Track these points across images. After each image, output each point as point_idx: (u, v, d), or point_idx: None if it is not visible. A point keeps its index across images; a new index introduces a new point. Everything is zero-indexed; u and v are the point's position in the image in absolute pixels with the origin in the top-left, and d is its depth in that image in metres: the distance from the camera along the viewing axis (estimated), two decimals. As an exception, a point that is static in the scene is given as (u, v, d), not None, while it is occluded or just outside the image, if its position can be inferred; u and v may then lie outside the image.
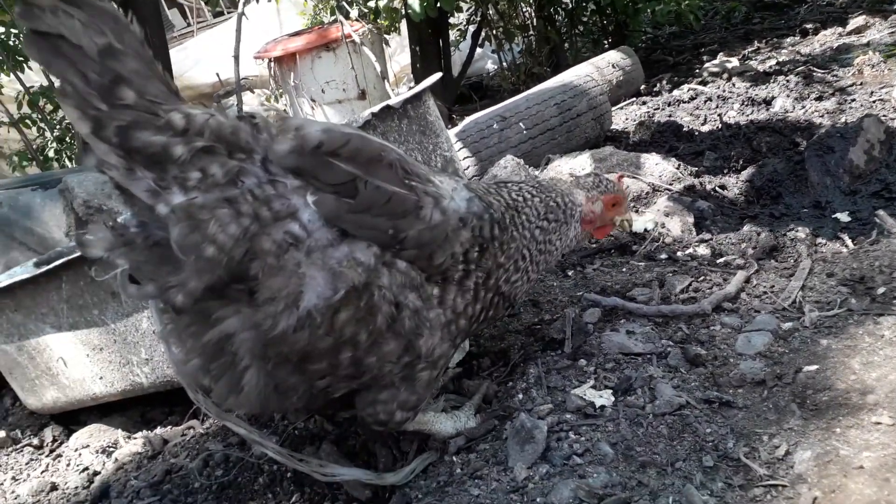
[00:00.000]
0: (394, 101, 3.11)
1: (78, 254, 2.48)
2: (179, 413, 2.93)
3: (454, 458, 2.00)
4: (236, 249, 1.51)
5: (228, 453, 2.34)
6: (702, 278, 2.56)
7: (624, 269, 2.85)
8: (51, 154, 8.67)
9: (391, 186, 1.68)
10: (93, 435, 2.87)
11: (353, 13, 7.85)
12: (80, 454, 2.76)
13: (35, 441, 2.92)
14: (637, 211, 3.68)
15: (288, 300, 1.56)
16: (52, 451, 2.89)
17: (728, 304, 2.32)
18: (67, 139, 8.57)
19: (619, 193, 2.24)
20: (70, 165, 8.57)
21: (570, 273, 2.96)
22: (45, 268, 2.55)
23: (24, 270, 3.13)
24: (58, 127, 8.64)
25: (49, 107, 8.59)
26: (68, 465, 2.71)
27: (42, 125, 8.66)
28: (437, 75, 3.46)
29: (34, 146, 8.57)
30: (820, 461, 1.58)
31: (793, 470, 1.60)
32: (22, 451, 2.88)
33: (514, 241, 2.01)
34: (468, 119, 4.73)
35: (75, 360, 2.71)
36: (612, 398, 2.01)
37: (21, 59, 8.40)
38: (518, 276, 2.04)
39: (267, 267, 1.54)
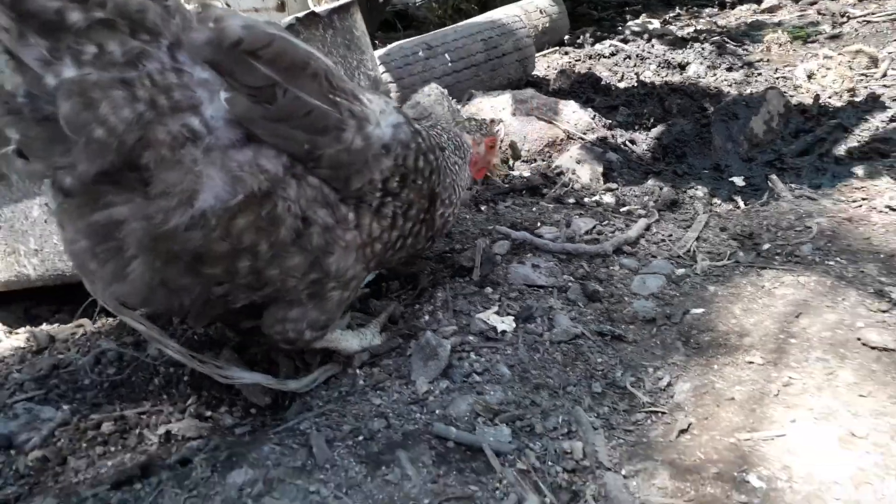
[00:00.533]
0: (320, 8, 3.00)
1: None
2: (68, 312, 2.80)
3: (357, 371, 2.04)
4: (128, 135, 1.42)
5: (122, 352, 2.28)
6: (606, 222, 2.68)
7: (534, 209, 2.94)
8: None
9: (313, 100, 1.61)
10: (-31, 327, 2.70)
11: (280, -84, 7.39)
12: (-48, 345, 2.60)
13: None
14: (551, 155, 3.77)
15: (182, 196, 1.48)
16: (-80, 342, 2.70)
17: (628, 248, 2.45)
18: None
19: (496, 136, 2.48)
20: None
21: (482, 208, 3.02)
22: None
23: None
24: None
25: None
26: (-60, 355, 2.55)
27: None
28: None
29: None
30: (697, 392, 1.73)
31: (672, 399, 1.75)
32: None
33: (447, 174, 2.05)
34: (393, 44, 4.64)
35: (-47, 246, 2.52)
36: (514, 324, 2.10)
37: None
38: (447, 210, 2.07)
39: (160, 158, 1.46)
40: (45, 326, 2.67)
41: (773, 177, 3.03)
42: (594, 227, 2.62)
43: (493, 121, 2.47)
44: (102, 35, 1.43)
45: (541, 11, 6.43)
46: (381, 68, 4.51)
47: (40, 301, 2.88)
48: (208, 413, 2.07)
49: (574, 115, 3.89)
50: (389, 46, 4.60)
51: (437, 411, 1.80)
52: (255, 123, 1.55)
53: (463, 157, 2.27)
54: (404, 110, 2.04)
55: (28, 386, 2.17)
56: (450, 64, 4.41)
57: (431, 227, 2.09)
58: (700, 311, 2.05)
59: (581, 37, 6.75)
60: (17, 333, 2.67)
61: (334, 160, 1.68)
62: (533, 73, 5.22)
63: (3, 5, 1.36)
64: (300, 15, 2.79)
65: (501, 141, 2.53)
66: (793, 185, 2.92)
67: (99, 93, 1.40)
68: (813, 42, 5.52)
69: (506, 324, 2.10)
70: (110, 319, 2.61)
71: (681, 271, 2.27)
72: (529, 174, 3.57)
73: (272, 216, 1.59)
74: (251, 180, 1.54)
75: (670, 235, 2.54)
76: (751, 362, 1.79)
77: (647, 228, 2.56)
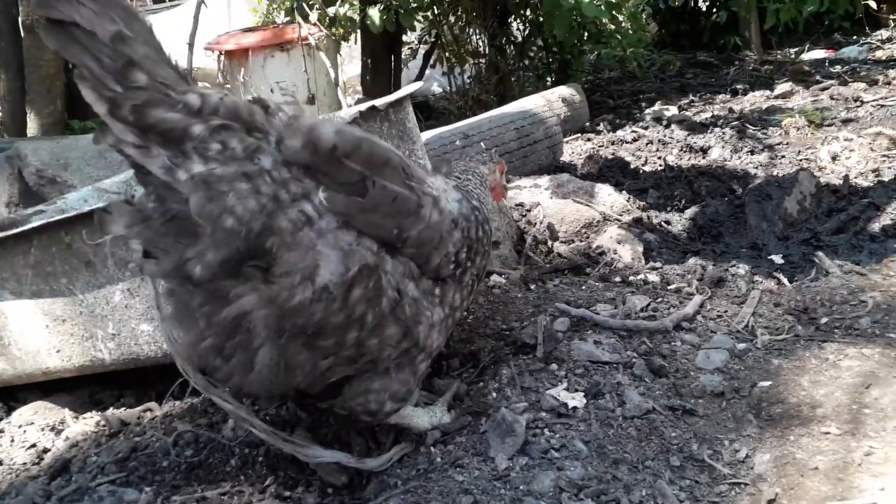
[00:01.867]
0: (379, 102, 3.20)
1: (55, 218, 2.42)
2: (130, 396, 2.86)
3: (432, 449, 2.08)
4: (254, 223, 1.59)
5: (198, 433, 2.33)
6: (659, 300, 2.76)
7: (583, 288, 3.03)
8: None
9: (396, 187, 1.79)
10: (37, 412, 2.76)
11: (313, 17, 7.88)
12: (24, 431, 2.66)
13: (-28, 415, 2.79)
14: (589, 236, 3.90)
15: (304, 273, 1.65)
16: (-10, 427, 2.77)
17: (686, 324, 2.52)
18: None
19: (502, 163, 2.77)
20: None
21: (532, 287, 3.11)
22: (15, 230, 2.47)
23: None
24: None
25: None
26: (12, 441, 2.61)
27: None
28: (419, 84, 3.58)
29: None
30: (778, 463, 1.77)
31: (753, 470, 1.79)
32: (-45, 425, 2.74)
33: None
34: (431, 133, 4.87)
35: (32, 331, 2.62)
36: (584, 400, 2.15)
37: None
38: (487, 248, 2.23)
39: (283, 243, 1.63)
40: (112, 411, 2.73)
41: (820, 254, 3.13)
42: (649, 304, 2.70)
43: (494, 150, 2.86)
44: (224, 135, 1.60)
45: (563, 100, 6.72)
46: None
47: (103, 386, 2.95)
48: (287, 493, 2.11)
49: (609, 197, 4.04)
50: (429, 135, 4.82)
51: (521, 487, 1.83)
52: (352, 216, 1.72)
53: (485, 187, 2.49)
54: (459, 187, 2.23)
55: (109, 469, 2.22)
56: (485, 152, 4.62)
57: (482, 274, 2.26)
58: (767, 384, 2.10)
59: (601, 123, 7.03)
60: (84, 418, 2.73)
61: (418, 239, 1.85)
62: (561, 159, 5.43)
63: (128, 123, 1.53)
64: (363, 109, 3.00)
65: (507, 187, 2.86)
66: (839, 262, 3.01)
67: (226, 185, 1.56)
68: (829, 125, 5.73)
69: (576, 400, 2.15)
70: (179, 402, 2.67)
71: (742, 346, 2.33)
72: (570, 254, 3.69)
73: (378, 287, 1.75)
74: (362, 254, 1.71)
75: (726, 311, 2.61)
76: (827, 433, 1.83)
77: (702, 305, 2.64)
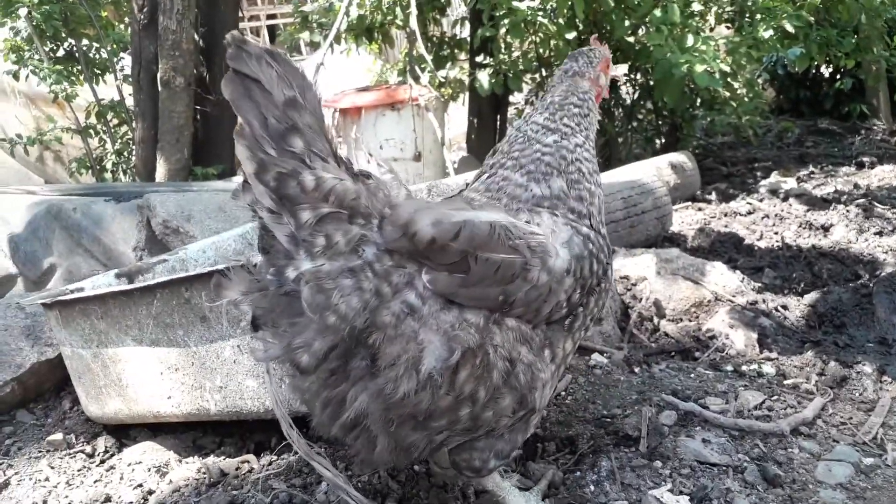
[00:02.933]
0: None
1: (179, 275, 2.56)
2: (230, 445, 2.95)
3: (524, 539, 2.01)
4: (357, 320, 1.62)
5: (293, 493, 2.36)
6: (775, 397, 2.59)
7: (692, 376, 2.89)
8: (108, 165, 8.95)
9: (499, 255, 1.72)
10: (146, 452, 2.89)
11: (424, 79, 8.16)
12: (133, 469, 2.78)
13: (88, 449, 2.94)
14: (699, 316, 3.73)
15: (407, 364, 1.64)
16: (102, 462, 2.91)
17: (805, 429, 2.34)
18: (125, 153, 8.86)
19: (605, 54, 2.34)
20: (123, 178, 8.83)
21: (636, 370, 2.99)
22: (143, 284, 2.63)
23: (107, 281, 3.22)
24: (119, 140, 8.95)
25: (115, 121, 8.92)
26: (121, 478, 2.73)
27: (105, 137, 8.97)
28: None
29: (93, 155, 8.86)
30: None
31: None
32: (75, 456, 2.90)
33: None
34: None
35: (148, 376, 2.76)
36: (689, 505, 2.02)
37: (98, 72, 8.79)
38: (606, 270, 2.06)
39: (386, 337, 1.64)
40: (212, 459, 2.81)
41: (962, 360, 2.85)
42: (763, 401, 2.54)
43: (595, 37, 2.42)
44: (329, 227, 1.63)
45: (673, 167, 6.58)
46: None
47: (206, 431, 3.06)
48: (374, 566, 2.08)
49: (722, 276, 3.87)
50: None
51: None
52: (455, 294, 1.70)
53: (590, 110, 2.21)
54: (567, 211, 2.04)
55: (207, 521, 2.28)
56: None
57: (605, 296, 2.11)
58: (900, 509, 1.91)
59: (712, 192, 6.81)
60: (187, 462, 2.83)
61: (525, 300, 1.78)
62: (670, 229, 5.28)
63: (269, 188, 1.61)
64: (469, 180, 3.03)
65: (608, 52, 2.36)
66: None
67: (331, 282, 1.60)
68: (971, 207, 5.30)
69: (681, 503, 2.03)
70: (276, 458, 2.72)
71: (869, 461, 2.14)
72: (678, 335, 3.54)
73: (486, 364, 1.72)
74: (465, 336, 1.68)
75: (850, 418, 2.41)
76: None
77: (823, 408, 2.45)
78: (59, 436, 2.95)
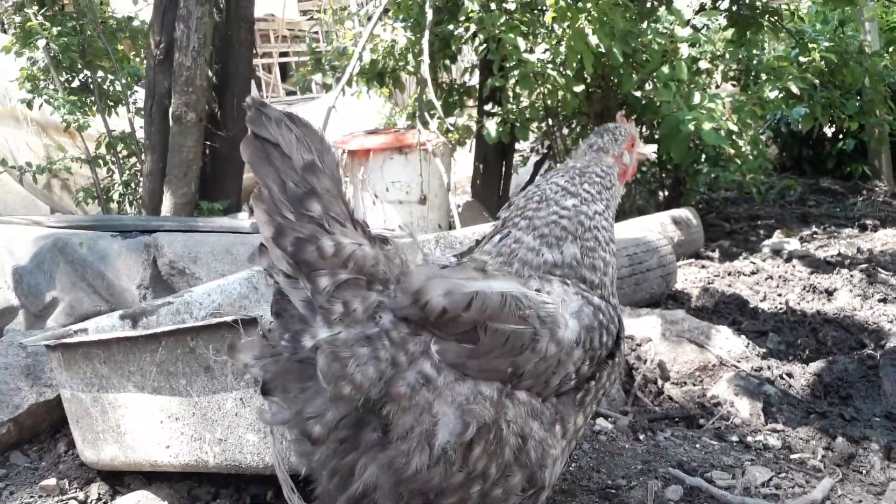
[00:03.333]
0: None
1: (186, 325, 2.55)
2: (226, 497, 2.90)
3: None
4: (373, 390, 1.58)
5: (288, 558, 2.30)
6: (782, 475, 2.55)
7: (697, 446, 2.85)
8: (114, 196, 8.99)
9: (509, 325, 1.70)
10: (139, 501, 2.83)
11: (433, 125, 8.25)
12: (125, 520, 2.73)
13: (80, 495, 2.89)
14: (703, 380, 3.70)
15: (421, 437, 1.60)
16: (94, 510, 2.86)
17: (814, 511, 2.31)
18: (133, 185, 8.90)
19: (631, 132, 2.34)
20: (130, 210, 8.85)
21: (640, 437, 2.96)
22: (150, 330, 2.61)
23: (111, 323, 3.20)
24: (127, 172, 9.00)
25: (124, 152, 8.99)
26: (114, 530, 2.68)
27: (113, 167, 9.03)
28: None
29: (101, 185, 8.90)
30: None
31: None
32: (67, 502, 2.84)
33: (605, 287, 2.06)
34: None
35: (147, 424, 2.72)
36: (697, 589, 1.98)
37: (111, 104, 8.89)
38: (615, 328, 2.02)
39: (400, 408, 1.60)
40: (207, 511, 2.76)
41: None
42: (770, 478, 2.50)
43: (621, 115, 2.40)
44: (347, 294, 1.61)
45: (677, 223, 6.61)
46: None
47: (201, 482, 3.01)
48: None
49: (727, 341, 3.85)
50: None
51: None
52: (464, 366, 1.67)
53: (611, 184, 2.22)
54: (578, 280, 2.02)
55: (201, 581, 2.22)
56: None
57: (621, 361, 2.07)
58: None
59: (716, 249, 6.83)
60: (181, 514, 2.78)
61: (534, 372, 1.75)
62: (674, 287, 5.28)
63: (286, 253, 1.60)
64: (479, 237, 3.04)
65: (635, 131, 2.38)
66: None
67: (348, 351, 1.57)
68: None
69: (688, 586, 1.98)
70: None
71: (880, 548, 2.10)
72: (683, 400, 3.51)
73: (499, 439, 1.67)
74: (480, 410, 1.64)
75: (860, 501, 2.37)
76: None
77: (832, 489, 2.42)
78: (52, 481, 2.90)
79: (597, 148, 2.27)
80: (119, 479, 3.04)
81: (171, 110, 7.23)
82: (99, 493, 2.92)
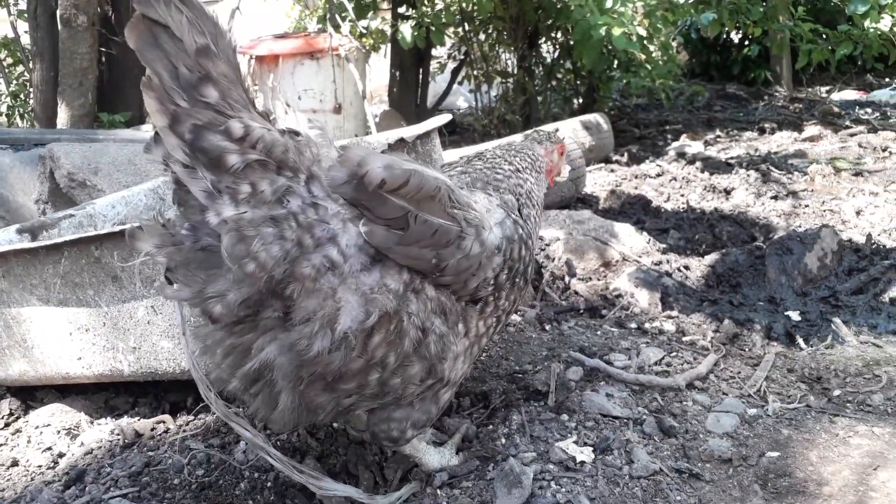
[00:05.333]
0: (407, 134, 3.25)
1: (88, 234, 2.47)
2: (145, 405, 2.91)
3: (439, 492, 2.11)
4: (276, 269, 1.59)
5: (210, 454, 2.37)
6: (674, 354, 2.77)
7: (598, 333, 3.05)
8: (2, 109, 8.36)
9: (438, 219, 1.75)
10: (54, 414, 2.82)
11: (345, 28, 7.96)
12: (41, 432, 2.72)
13: (-9, 412, 2.85)
14: (607, 275, 3.91)
15: (323, 321, 1.63)
16: (7, 425, 2.83)
17: (699, 383, 2.54)
18: (22, 96, 8.29)
19: (564, 142, 2.63)
20: (21, 123, 8.27)
21: (546, 328, 3.13)
22: (48, 242, 2.52)
23: (7, 237, 3.07)
24: (15, 82, 8.36)
25: (9, 60, 8.31)
26: (29, 442, 2.67)
27: (-2, 78, 8.36)
28: (448, 117, 3.61)
29: (-15, 98, 8.26)
30: (781, 541, 1.78)
31: (756, 545, 1.80)
32: (-24, 420, 2.80)
33: (529, 221, 2.21)
34: (454, 153, 4.90)
35: (56, 337, 2.68)
36: (592, 455, 2.17)
37: (-11, 6, 8.13)
38: (531, 255, 2.17)
39: (304, 290, 1.62)
40: (126, 420, 2.78)
41: (837, 320, 3.14)
42: (663, 357, 2.72)
43: (556, 130, 2.70)
44: (255, 175, 1.60)
45: (588, 129, 6.75)
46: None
47: (118, 392, 3.01)
48: (294, 523, 2.14)
49: (630, 238, 4.06)
50: (451, 156, 4.85)
51: (525, 541, 1.85)
52: (390, 250, 1.71)
53: (540, 170, 2.44)
54: (508, 198, 2.19)
55: (122, 482, 2.27)
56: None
57: (523, 288, 2.20)
58: (776, 454, 2.11)
59: (625, 154, 7.05)
60: (99, 424, 2.79)
61: (456, 268, 1.83)
62: (584, 191, 5.45)
63: (183, 141, 1.55)
64: (391, 142, 3.04)
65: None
66: (855, 329, 3.01)
67: (252, 230, 1.57)
68: (856, 175, 5.72)
69: (584, 454, 2.17)
70: (193, 418, 2.72)
71: (753, 411, 2.35)
72: (587, 294, 3.71)
73: (399, 330, 1.74)
74: (383, 300, 1.69)
75: (739, 372, 2.62)
76: (832, 513, 1.84)
77: (716, 364, 2.66)
78: (-41, 399, 2.83)
79: (531, 139, 2.54)
80: (30, 394, 3.00)
81: (59, 13, 6.68)
82: (10, 409, 2.89)
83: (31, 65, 7.51)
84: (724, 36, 11.60)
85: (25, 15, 7.42)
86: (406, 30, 7.59)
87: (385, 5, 9.28)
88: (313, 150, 1.76)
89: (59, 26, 6.75)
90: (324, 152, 1.81)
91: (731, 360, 2.75)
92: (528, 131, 2.65)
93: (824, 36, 8.34)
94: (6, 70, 8.06)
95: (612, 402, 2.41)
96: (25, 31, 7.55)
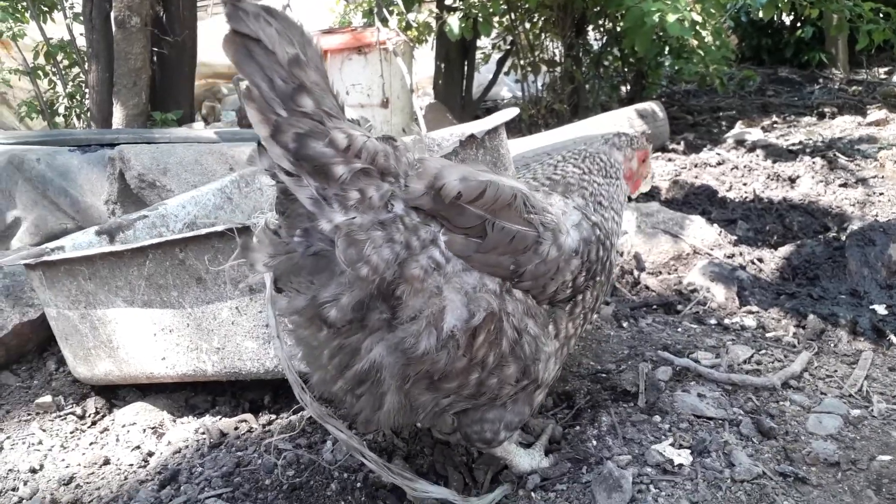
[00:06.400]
0: (477, 130, 3.20)
1: (174, 237, 2.49)
2: (224, 404, 2.94)
3: (533, 495, 2.07)
4: (388, 271, 1.62)
5: (299, 454, 2.38)
6: (763, 351, 2.69)
7: (679, 330, 2.97)
8: (60, 110, 8.54)
9: (514, 225, 1.78)
10: (138, 413, 2.86)
11: (392, 22, 7.94)
12: (128, 431, 2.76)
13: (78, 410, 2.91)
14: (678, 269, 3.83)
15: (430, 319, 1.66)
16: (94, 423, 2.88)
17: (794, 382, 2.45)
18: (78, 97, 8.45)
19: (648, 149, 2.47)
20: (78, 124, 8.45)
21: (624, 324, 3.07)
22: (134, 245, 2.55)
23: (87, 239, 3.12)
24: (71, 83, 8.52)
25: (65, 62, 8.47)
26: (117, 440, 2.71)
27: (55, 79, 8.53)
28: (515, 110, 3.56)
29: (44, 99, 8.43)
30: (905, 551, 1.70)
31: (877, 554, 1.72)
32: (65, 418, 2.86)
33: (608, 235, 2.14)
34: (515, 152, 4.85)
35: (140, 338, 2.71)
36: (690, 458, 2.11)
37: (45, 9, 8.29)
38: (609, 259, 2.14)
39: (413, 290, 1.65)
40: (209, 418, 2.81)
41: (934, 315, 3.01)
42: (752, 355, 2.64)
43: (644, 133, 2.54)
44: (362, 182, 1.62)
45: (643, 117, 6.62)
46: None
47: (197, 390, 3.04)
48: (387, 524, 2.13)
49: (700, 230, 3.96)
50: (511, 156, 4.80)
51: (632, 548, 1.81)
52: (470, 258, 1.72)
53: (616, 176, 2.34)
54: (578, 201, 2.15)
55: (216, 482, 2.29)
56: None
57: (606, 286, 2.18)
58: (888, 458, 2.03)
59: (681, 142, 6.89)
60: (183, 422, 2.82)
61: (534, 273, 1.83)
62: (644, 181, 5.34)
63: (287, 150, 1.56)
64: (463, 138, 3.01)
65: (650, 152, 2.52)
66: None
67: (363, 234, 1.59)
68: (929, 161, 5.50)
69: (682, 457, 2.11)
70: (275, 417, 2.73)
71: (856, 412, 2.26)
72: (659, 288, 3.63)
73: (499, 329, 1.76)
74: (488, 298, 1.72)
75: (835, 371, 2.53)
76: (958, 522, 1.76)
77: (809, 362, 2.57)
78: (47, 398, 2.89)
79: (609, 143, 2.40)
80: (114, 392, 3.06)
81: (112, 14, 6.78)
82: (96, 408, 2.94)
83: (86, 66, 7.65)
84: (777, 18, 11.27)
85: (81, 18, 7.54)
86: (454, 22, 7.54)
87: (430, -3, 9.25)
88: (409, 157, 1.77)
89: (114, 28, 6.85)
90: (419, 157, 1.82)
91: (824, 358, 2.66)
92: (609, 134, 2.53)
93: (883, 16, 8.04)
94: (63, 72, 8.23)
95: (705, 402, 2.34)
96: (81, 34, 7.69)
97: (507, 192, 1.74)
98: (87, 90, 7.76)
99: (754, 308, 3.26)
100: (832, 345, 2.90)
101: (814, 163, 5.52)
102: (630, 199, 2.67)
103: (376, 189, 1.63)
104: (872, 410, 2.26)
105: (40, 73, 8.30)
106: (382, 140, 1.70)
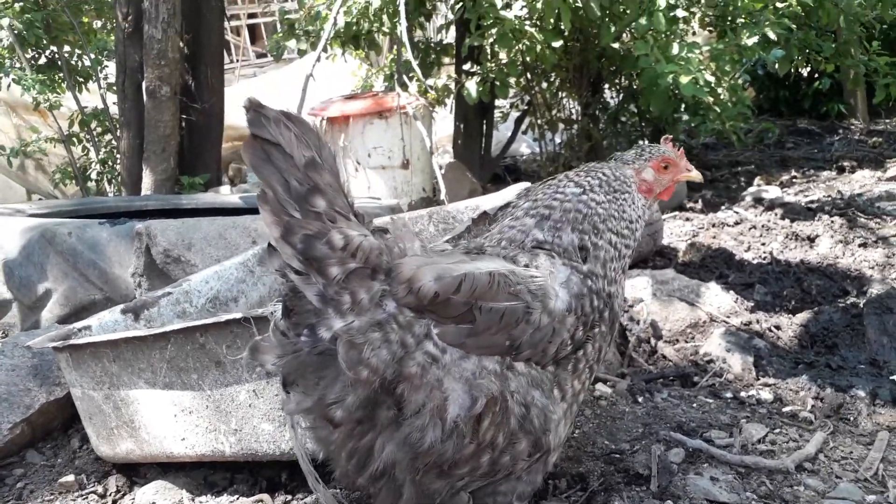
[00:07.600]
0: (489, 207, 3.29)
1: (195, 323, 2.58)
2: (241, 482, 2.98)
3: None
4: (387, 371, 1.68)
5: (314, 540, 2.40)
6: (777, 430, 2.68)
7: (694, 405, 2.97)
8: (92, 175, 8.84)
9: (501, 303, 1.78)
10: (158, 492, 2.90)
11: (412, 87, 8.16)
12: (147, 511, 2.80)
13: (99, 489, 2.96)
14: (694, 337, 3.82)
15: (433, 412, 1.70)
16: (115, 502, 2.93)
17: (808, 465, 2.43)
18: (110, 163, 8.75)
19: (666, 155, 2.30)
20: (109, 188, 8.73)
21: (639, 399, 3.07)
22: (160, 329, 2.64)
23: (113, 318, 3.22)
24: (104, 149, 8.84)
25: (99, 129, 8.80)
26: (137, 521, 2.75)
27: (88, 146, 8.85)
28: (526, 185, 3.64)
29: (77, 165, 8.74)
30: None
31: None
32: (87, 497, 2.91)
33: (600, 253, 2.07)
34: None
35: (161, 419, 2.78)
36: (703, 546, 2.10)
37: (81, 79, 8.68)
38: (618, 290, 2.10)
39: (412, 386, 1.70)
40: (226, 497, 2.84)
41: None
42: (766, 434, 2.63)
43: (667, 139, 2.36)
44: (354, 283, 1.68)
45: (660, 176, 6.66)
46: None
47: (216, 469, 3.09)
48: None
49: (717, 297, 3.96)
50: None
51: None
52: (464, 345, 1.76)
53: (622, 189, 2.19)
54: (568, 238, 2.04)
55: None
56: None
57: (608, 334, 2.11)
58: (903, 550, 2.00)
59: (698, 200, 6.92)
60: (200, 501, 2.86)
61: (531, 342, 1.84)
62: (661, 243, 5.37)
63: (296, 250, 1.64)
64: (474, 216, 3.09)
65: (676, 156, 2.30)
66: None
67: (361, 337, 1.65)
68: (950, 218, 5.46)
69: (695, 545, 2.11)
70: (291, 498, 2.76)
71: (872, 498, 2.23)
72: (676, 358, 3.62)
73: (504, 409, 1.78)
74: (486, 384, 1.75)
75: (850, 452, 2.51)
76: None
77: (825, 442, 2.55)
78: (70, 477, 2.96)
79: (621, 160, 2.31)
80: (135, 470, 3.11)
81: (144, 85, 7.07)
82: (117, 486, 2.99)
83: (118, 133, 7.94)
84: (794, 71, 11.34)
85: (114, 88, 7.87)
86: (471, 86, 7.73)
87: (447, 60, 9.48)
88: (401, 247, 1.83)
89: (145, 97, 7.14)
90: (408, 246, 1.88)
91: (840, 438, 2.63)
92: (631, 150, 2.37)
93: (901, 69, 8.06)
94: (96, 139, 8.56)
95: (718, 486, 2.33)
96: (114, 103, 8.00)
97: (484, 280, 1.75)
98: (118, 156, 8.04)
99: (771, 380, 3.24)
100: (850, 419, 2.87)
101: (832, 221, 5.51)
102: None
103: (367, 291, 1.69)
104: (888, 496, 2.23)
105: (74, 140, 8.62)
106: (376, 234, 1.77)
